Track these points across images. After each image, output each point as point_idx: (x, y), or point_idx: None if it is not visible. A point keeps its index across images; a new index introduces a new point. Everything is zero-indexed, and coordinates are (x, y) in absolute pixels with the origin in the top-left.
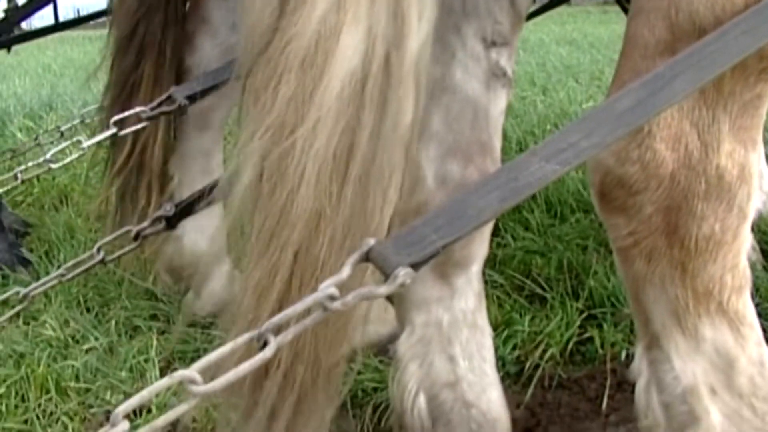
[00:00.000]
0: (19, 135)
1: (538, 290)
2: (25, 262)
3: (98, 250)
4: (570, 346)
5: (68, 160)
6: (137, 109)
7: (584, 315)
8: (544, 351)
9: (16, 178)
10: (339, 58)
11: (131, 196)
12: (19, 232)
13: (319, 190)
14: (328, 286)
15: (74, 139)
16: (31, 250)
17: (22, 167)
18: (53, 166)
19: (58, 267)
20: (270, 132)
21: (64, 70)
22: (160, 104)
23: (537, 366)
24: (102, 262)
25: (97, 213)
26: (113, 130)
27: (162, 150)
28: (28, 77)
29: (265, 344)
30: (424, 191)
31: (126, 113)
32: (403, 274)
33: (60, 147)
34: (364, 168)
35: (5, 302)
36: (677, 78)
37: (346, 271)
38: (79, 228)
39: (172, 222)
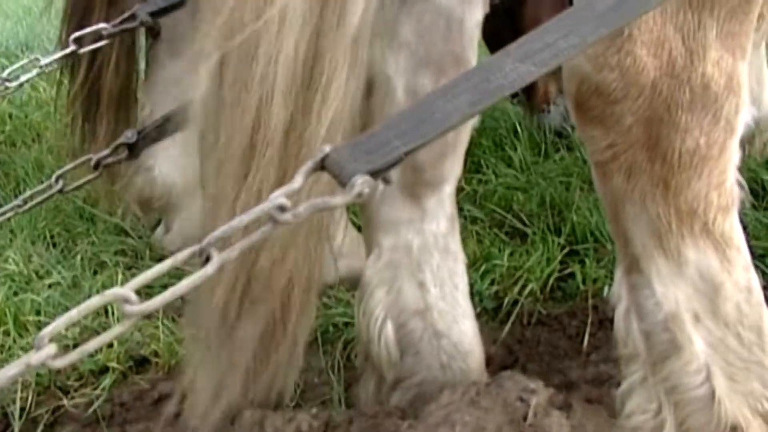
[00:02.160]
0: None
1: (519, 225)
2: None
3: (57, 179)
4: (550, 282)
5: (25, 78)
6: (99, 25)
7: (566, 250)
8: (524, 286)
9: None
10: None
11: (91, 124)
12: None
13: (289, 99)
14: (277, 197)
15: (32, 57)
16: (0, 188)
17: None
18: (9, 84)
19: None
20: (224, 31)
21: (43, 12)
22: (122, 21)
23: (516, 302)
24: (60, 191)
25: (66, 147)
26: (72, 47)
27: (118, 75)
28: (6, 18)
29: (207, 259)
30: (394, 104)
31: (86, 30)
32: (360, 182)
33: (18, 65)
34: (321, 75)
35: None
36: None
37: (298, 181)
38: (50, 164)
39: (134, 150)
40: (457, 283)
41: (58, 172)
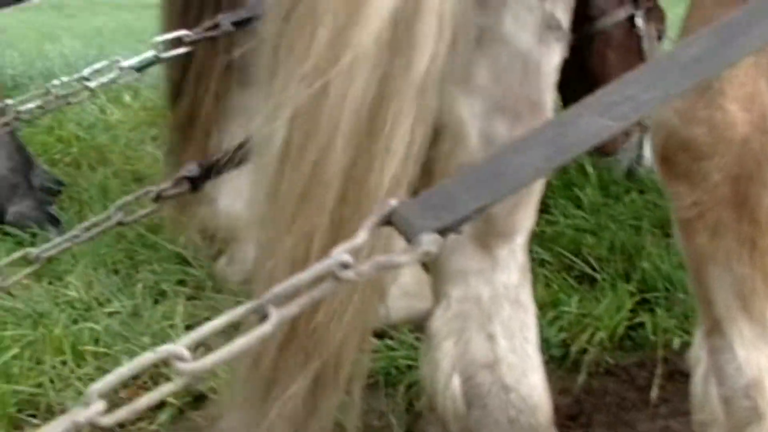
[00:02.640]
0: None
1: (588, 270)
2: (55, 221)
3: (116, 210)
4: (620, 330)
5: (105, 79)
6: (180, 32)
7: (636, 298)
8: (592, 335)
9: (48, 92)
10: (373, 7)
11: (177, 152)
12: (52, 191)
13: (354, 143)
14: (340, 253)
15: (113, 59)
16: (63, 209)
17: (56, 82)
18: (89, 84)
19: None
20: (305, 81)
21: (115, 35)
22: (205, 30)
23: (584, 350)
24: (120, 224)
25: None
26: (152, 52)
27: (213, 105)
28: (77, 39)
29: (264, 317)
30: (467, 151)
31: (168, 35)
32: (427, 240)
33: (97, 66)
34: (384, 123)
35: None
36: (755, 26)
37: (362, 236)
38: (114, 189)
39: (196, 183)
40: (527, 335)
41: (119, 202)
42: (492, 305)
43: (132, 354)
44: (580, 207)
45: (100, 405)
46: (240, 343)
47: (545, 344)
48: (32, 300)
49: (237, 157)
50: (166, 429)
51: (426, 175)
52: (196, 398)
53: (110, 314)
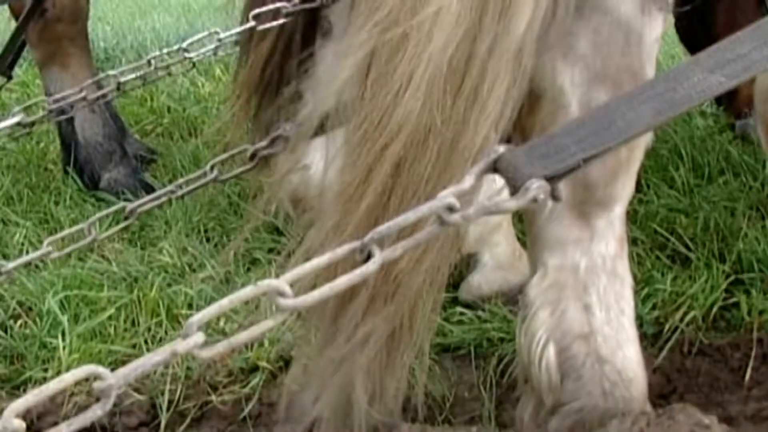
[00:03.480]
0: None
1: (682, 249)
2: (148, 188)
3: (212, 168)
4: (714, 310)
5: (205, 50)
6: (278, 4)
7: (730, 279)
8: (686, 314)
9: (149, 64)
10: None
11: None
12: (145, 159)
13: (429, 98)
14: (447, 196)
15: (212, 30)
16: (155, 177)
17: (156, 53)
18: (188, 55)
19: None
20: (379, 27)
21: (203, 10)
22: (302, 1)
23: (677, 329)
24: (215, 180)
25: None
26: (252, 23)
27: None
28: (167, 14)
29: (368, 257)
30: (566, 118)
31: (266, 8)
32: (536, 187)
33: (197, 37)
34: (479, 81)
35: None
36: None
37: (469, 180)
38: (205, 158)
39: (292, 143)
40: (623, 307)
41: (213, 160)
42: (589, 275)
43: (226, 319)
44: (673, 187)
45: (199, 337)
46: (342, 281)
47: (638, 321)
48: (126, 263)
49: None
50: (258, 392)
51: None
52: (288, 363)
53: (203, 279)
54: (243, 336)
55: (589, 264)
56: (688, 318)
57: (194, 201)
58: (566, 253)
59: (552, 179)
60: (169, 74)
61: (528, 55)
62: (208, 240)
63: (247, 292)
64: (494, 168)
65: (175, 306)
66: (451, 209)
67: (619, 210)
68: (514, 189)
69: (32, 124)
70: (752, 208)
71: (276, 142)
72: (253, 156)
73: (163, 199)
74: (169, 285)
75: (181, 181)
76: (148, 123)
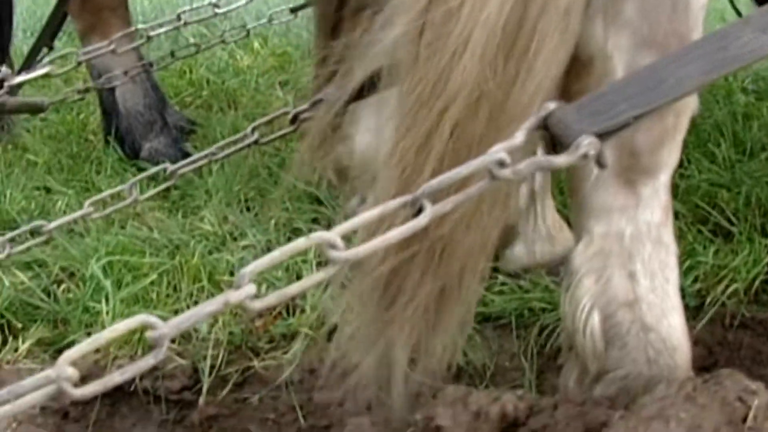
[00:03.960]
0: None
1: (724, 223)
2: (188, 158)
3: (252, 130)
4: (756, 284)
5: (235, 6)
6: None
7: None
8: (728, 287)
9: (179, 18)
10: None
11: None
12: (185, 130)
13: (484, 61)
14: (498, 151)
15: None
16: (196, 148)
17: (186, 8)
18: (218, 11)
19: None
20: None
21: None
22: None
23: (718, 302)
24: (256, 143)
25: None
26: None
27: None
28: None
29: (419, 211)
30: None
31: None
32: (587, 143)
33: (234, 6)
34: (530, 41)
35: (155, 179)
36: None
37: (519, 136)
38: (245, 128)
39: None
40: (668, 275)
41: (254, 123)
42: (634, 243)
43: (266, 284)
44: (714, 162)
45: (251, 288)
46: (393, 234)
47: (680, 293)
48: (168, 231)
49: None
50: (298, 358)
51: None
52: (329, 330)
53: (244, 247)
54: (294, 287)
55: (635, 231)
56: (729, 291)
57: (234, 170)
58: (611, 221)
59: (602, 136)
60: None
61: (575, 16)
62: (248, 209)
63: (299, 244)
64: (544, 124)
65: (216, 272)
66: (501, 164)
67: (664, 178)
68: (564, 146)
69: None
70: None
71: (317, 106)
72: (294, 119)
73: (204, 161)
74: (211, 252)
75: (221, 143)
76: (187, 95)
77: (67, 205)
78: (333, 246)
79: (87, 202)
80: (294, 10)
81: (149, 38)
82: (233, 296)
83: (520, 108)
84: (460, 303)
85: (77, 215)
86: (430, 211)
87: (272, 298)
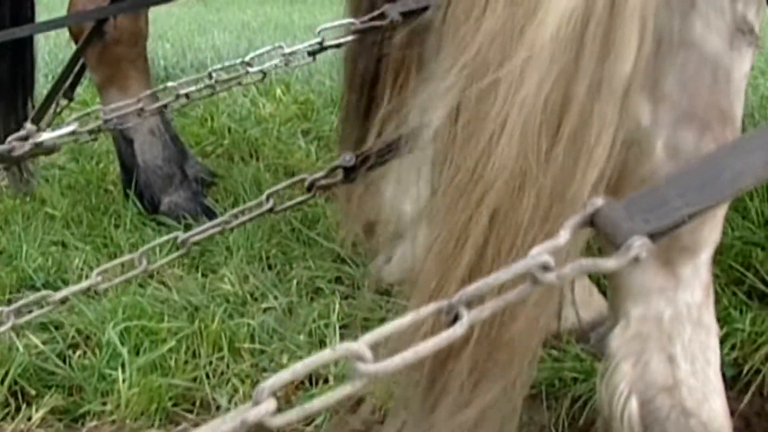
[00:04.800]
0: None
1: (760, 285)
2: (209, 212)
3: (268, 197)
4: None
5: (268, 65)
6: (346, 20)
7: None
8: (766, 355)
9: (210, 77)
10: None
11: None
12: (205, 182)
13: (524, 144)
14: (540, 253)
15: (276, 44)
16: (217, 201)
17: (218, 66)
18: (251, 69)
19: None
20: (468, 70)
21: (262, 27)
22: (371, 19)
23: (757, 371)
24: (271, 210)
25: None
26: (318, 39)
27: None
28: (227, 32)
29: (456, 318)
30: (651, 161)
31: (333, 24)
32: (638, 245)
33: (259, 52)
34: (578, 124)
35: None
36: None
37: (564, 236)
38: (266, 182)
39: (351, 173)
40: (709, 357)
41: (270, 190)
42: (673, 326)
43: (289, 353)
44: (746, 218)
45: (271, 404)
46: (428, 345)
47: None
48: (187, 292)
49: (395, 152)
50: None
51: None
52: (354, 401)
53: (265, 310)
54: (318, 403)
55: (674, 314)
56: None
57: (255, 227)
58: (650, 303)
59: (655, 236)
60: (229, 88)
61: (635, 95)
62: (270, 267)
63: (324, 356)
64: (591, 222)
65: (237, 339)
66: (546, 268)
67: (705, 256)
68: (614, 246)
69: (90, 132)
70: None
71: (335, 173)
72: (311, 186)
73: (217, 228)
74: (231, 316)
75: (236, 210)
76: (208, 144)
77: (84, 262)
78: (360, 358)
79: (95, 272)
80: (312, 54)
81: (178, 96)
82: (252, 413)
83: (583, 197)
84: (514, 398)
85: (84, 286)
86: (467, 320)
87: (294, 414)
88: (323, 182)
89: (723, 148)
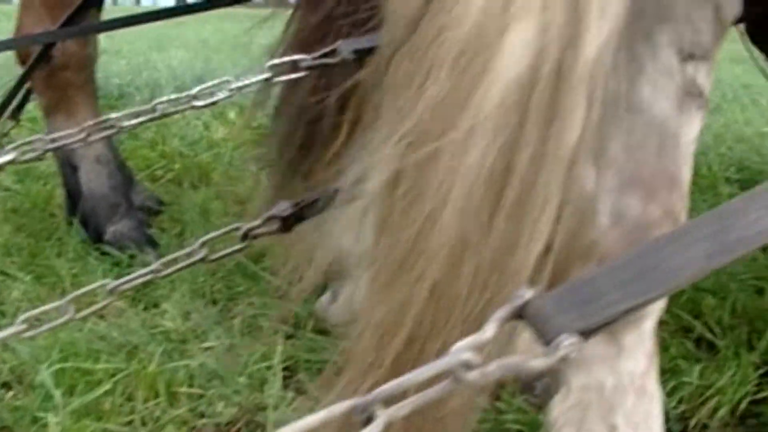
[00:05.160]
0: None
1: (708, 335)
2: (153, 242)
3: (201, 246)
4: (743, 406)
5: (214, 99)
6: (296, 56)
7: (761, 371)
8: (713, 409)
9: (154, 110)
10: (504, 57)
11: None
12: (152, 210)
13: (466, 215)
14: (463, 350)
15: (223, 79)
16: (163, 230)
17: (164, 99)
18: (197, 104)
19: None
20: (409, 139)
21: (220, 45)
22: (323, 55)
23: (704, 426)
24: (203, 260)
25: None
26: (267, 74)
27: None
28: (184, 49)
29: (369, 419)
30: (594, 229)
31: (282, 59)
32: (567, 344)
33: (208, 84)
34: (521, 193)
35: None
36: None
37: (489, 330)
38: (215, 211)
39: (287, 223)
40: (651, 425)
41: (203, 238)
42: (615, 395)
43: (227, 399)
44: None
45: None
46: None
47: (664, 417)
48: (127, 328)
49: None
50: None
51: (551, 254)
52: None
53: (206, 349)
54: None
55: (616, 383)
56: (718, 414)
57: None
58: (591, 372)
59: (588, 332)
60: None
61: (578, 166)
62: (214, 302)
63: None
64: (520, 315)
65: (175, 381)
66: (468, 366)
67: (650, 324)
68: (544, 342)
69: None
70: None
71: (270, 222)
72: (245, 236)
73: (148, 277)
74: (171, 356)
75: (165, 259)
76: (158, 168)
77: (23, 294)
78: None
79: (20, 318)
80: (268, 80)
81: (121, 129)
82: None
83: (527, 270)
84: None
85: (8, 334)
86: (382, 420)
87: None
88: (258, 231)
89: (662, 237)
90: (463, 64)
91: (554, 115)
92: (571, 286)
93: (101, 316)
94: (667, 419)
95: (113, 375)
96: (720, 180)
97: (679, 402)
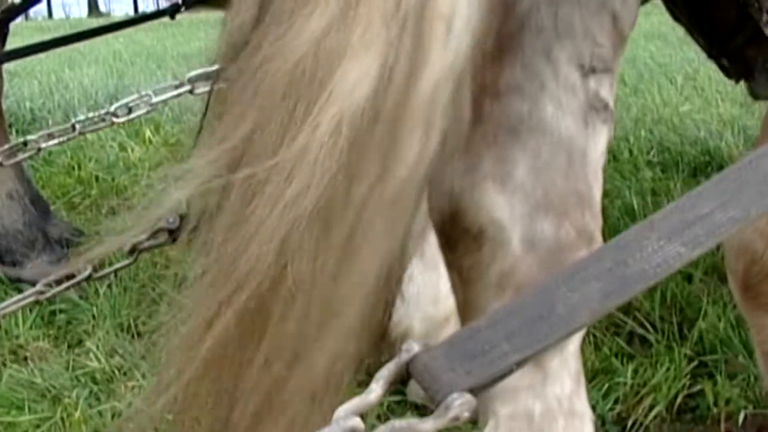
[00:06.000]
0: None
1: (639, 330)
2: (72, 276)
3: (85, 264)
4: (678, 400)
5: (135, 114)
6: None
7: (694, 363)
8: (650, 407)
9: (73, 129)
10: (339, 90)
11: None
12: (71, 242)
13: (288, 249)
14: (348, 414)
15: (143, 93)
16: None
17: (82, 117)
18: (117, 120)
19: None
20: (223, 161)
21: (135, 58)
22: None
23: (641, 425)
24: (88, 278)
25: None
26: (187, 87)
27: None
28: (97, 65)
29: None
30: (508, 258)
31: (202, 70)
32: (458, 404)
33: (127, 100)
34: (349, 230)
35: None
36: None
37: (376, 392)
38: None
39: (174, 235)
40: None
41: (88, 256)
42: (544, 421)
43: None
44: None
45: None
46: None
47: (600, 420)
48: (51, 372)
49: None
50: None
51: (465, 284)
52: None
53: (133, 388)
54: None
55: (545, 408)
56: (653, 412)
57: (122, 292)
58: (518, 400)
59: (478, 389)
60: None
61: (411, 201)
62: (139, 335)
63: None
64: (407, 372)
65: (103, 425)
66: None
67: (573, 347)
68: (434, 402)
69: None
70: (707, 273)
71: (158, 235)
72: (132, 250)
73: (29, 299)
74: (97, 398)
75: (47, 279)
76: (75, 194)
77: None
78: None
79: None
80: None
81: (39, 150)
82: None
83: (354, 306)
84: None
85: None
86: None
87: None
88: (146, 245)
89: (555, 277)
90: (288, 98)
91: (387, 151)
92: (462, 338)
93: (25, 359)
94: (604, 422)
95: (38, 426)
96: (642, 164)
97: (615, 403)
